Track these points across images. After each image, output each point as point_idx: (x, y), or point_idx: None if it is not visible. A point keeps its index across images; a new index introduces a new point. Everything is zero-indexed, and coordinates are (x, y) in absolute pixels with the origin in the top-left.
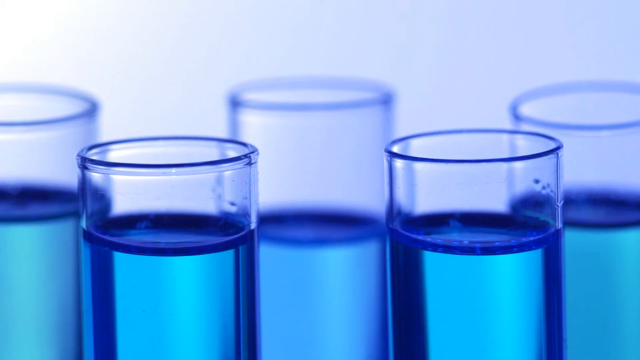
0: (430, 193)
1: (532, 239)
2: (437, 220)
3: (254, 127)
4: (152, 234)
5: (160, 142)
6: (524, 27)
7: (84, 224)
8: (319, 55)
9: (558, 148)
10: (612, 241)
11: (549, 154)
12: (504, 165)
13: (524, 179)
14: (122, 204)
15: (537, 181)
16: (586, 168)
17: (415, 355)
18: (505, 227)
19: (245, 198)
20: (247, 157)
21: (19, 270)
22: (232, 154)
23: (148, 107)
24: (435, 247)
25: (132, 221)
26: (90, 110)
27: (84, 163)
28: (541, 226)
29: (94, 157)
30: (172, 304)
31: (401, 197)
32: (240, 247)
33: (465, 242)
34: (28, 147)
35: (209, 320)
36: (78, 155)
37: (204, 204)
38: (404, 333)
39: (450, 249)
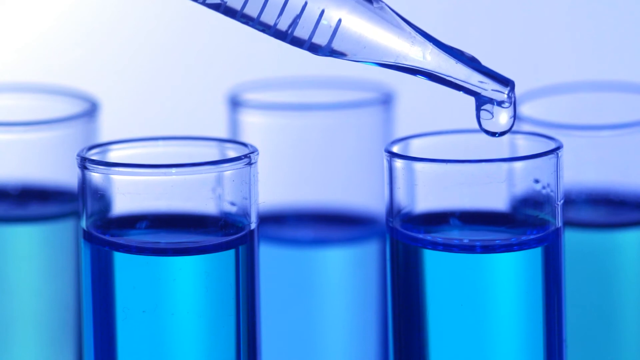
0: (430, 193)
1: (532, 237)
2: (437, 219)
3: (254, 127)
4: (152, 234)
5: (160, 142)
6: (524, 27)
7: (84, 224)
8: None
9: (558, 148)
10: (612, 241)
11: (549, 154)
12: (504, 165)
13: (524, 178)
14: (122, 204)
15: (537, 181)
16: (586, 168)
17: (415, 354)
18: (505, 225)
19: (245, 198)
20: (247, 157)
21: (19, 270)
22: (232, 154)
23: (148, 107)
24: (435, 246)
25: (132, 221)
26: (90, 110)
27: (84, 163)
28: (541, 225)
29: (94, 157)
30: (172, 304)
31: (401, 196)
32: (240, 247)
33: (465, 241)
34: (28, 147)
35: (209, 320)
36: (78, 155)
37: (204, 204)
38: (403, 331)
39: (450, 247)
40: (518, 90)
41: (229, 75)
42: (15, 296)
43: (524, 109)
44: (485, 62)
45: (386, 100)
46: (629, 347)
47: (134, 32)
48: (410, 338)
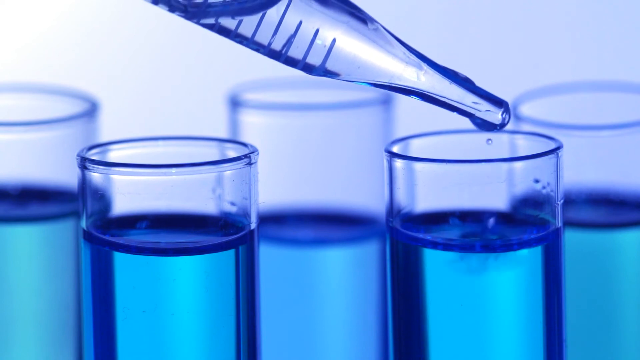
0: (430, 193)
1: (532, 237)
2: (437, 219)
3: (254, 127)
4: (152, 234)
5: (160, 142)
6: (524, 27)
7: (84, 224)
8: None
9: (558, 148)
10: (612, 241)
11: (549, 154)
12: (504, 165)
13: (524, 178)
14: (122, 204)
15: (537, 181)
16: (586, 168)
17: (415, 354)
18: (505, 225)
19: (245, 198)
20: (247, 157)
21: (19, 270)
22: (232, 154)
23: (148, 107)
24: (435, 246)
25: (132, 221)
26: (90, 110)
27: (84, 163)
28: (541, 224)
29: (94, 157)
30: (172, 304)
31: (401, 196)
32: (240, 247)
33: (465, 240)
34: (28, 147)
35: (209, 320)
36: (78, 155)
37: (204, 204)
38: (403, 331)
39: (450, 247)
40: (518, 90)
41: (229, 75)
42: (15, 296)
43: (524, 109)
44: (485, 62)
45: (386, 100)
46: (629, 347)
47: (134, 32)
48: (410, 338)
